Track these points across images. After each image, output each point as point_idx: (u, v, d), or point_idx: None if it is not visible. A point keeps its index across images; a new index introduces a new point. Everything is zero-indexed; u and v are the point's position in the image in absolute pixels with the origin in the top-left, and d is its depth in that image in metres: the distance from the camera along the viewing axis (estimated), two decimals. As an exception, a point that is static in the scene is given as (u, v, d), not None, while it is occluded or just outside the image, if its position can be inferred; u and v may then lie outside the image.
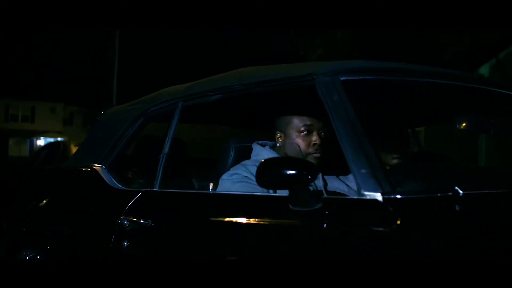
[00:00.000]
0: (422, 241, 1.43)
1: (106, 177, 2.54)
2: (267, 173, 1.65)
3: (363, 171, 1.59)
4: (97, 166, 2.61)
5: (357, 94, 1.82)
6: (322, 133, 2.25)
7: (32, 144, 34.39)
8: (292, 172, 1.58)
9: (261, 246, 1.77)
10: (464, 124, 2.17)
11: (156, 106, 2.53)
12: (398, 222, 1.46)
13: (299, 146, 2.16)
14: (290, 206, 1.67)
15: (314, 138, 2.23)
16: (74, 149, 11.07)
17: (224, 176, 2.19)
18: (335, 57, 13.84)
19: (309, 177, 1.59)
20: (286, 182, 1.61)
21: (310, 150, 2.22)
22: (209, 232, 1.96)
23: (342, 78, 1.83)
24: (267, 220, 1.83)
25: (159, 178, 2.27)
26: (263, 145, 2.38)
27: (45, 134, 34.41)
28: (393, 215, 1.48)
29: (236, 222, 1.89)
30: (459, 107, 2.22)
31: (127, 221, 2.20)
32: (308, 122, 2.24)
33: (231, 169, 2.22)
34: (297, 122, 2.25)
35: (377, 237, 1.50)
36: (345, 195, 2.19)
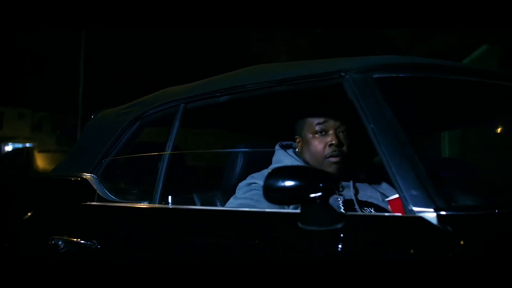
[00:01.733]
0: (493, 267, 1.20)
1: (98, 187, 2.27)
2: (274, 186, 1.35)
3: (409, 182, 1.35)
4: (87, 176, 2.35)
5: (391, 94, 1.58)
6: (341, 133, 1.98)
7: (-1, 149, 34.01)
8: (298, 183, 1.30)
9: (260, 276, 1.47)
10: (501, 128, 1.95)
11: (155, 109, 2.25)
12: (462, 242, 1.22)
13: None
14: (300, 225, 1.39)
15: (330, 138, 1.95)
16: (38, 155, 10.99)
17: (241, 184, 1.98)
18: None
19: (326, 189, 1.31)
20: (297, 196, 1.33)
21: (326, 152, 1.95)
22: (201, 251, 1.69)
23: (375, 76, 1.59)
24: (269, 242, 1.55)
25: (159, 191, 2.00)
26: (289, 146, 2.13)
27: (13, 140, 33.95)
28: (453, 236, 1.25)
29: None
30: (503, 108, 1.98)
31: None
32: (322, 120, 1.97)
33: (250, 176, 1.99)
34: (311, 121, 2.00)
35: (433, 262, 1.24)
36: (378, 205, 1.95)
